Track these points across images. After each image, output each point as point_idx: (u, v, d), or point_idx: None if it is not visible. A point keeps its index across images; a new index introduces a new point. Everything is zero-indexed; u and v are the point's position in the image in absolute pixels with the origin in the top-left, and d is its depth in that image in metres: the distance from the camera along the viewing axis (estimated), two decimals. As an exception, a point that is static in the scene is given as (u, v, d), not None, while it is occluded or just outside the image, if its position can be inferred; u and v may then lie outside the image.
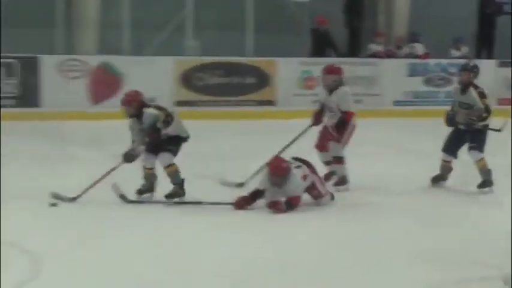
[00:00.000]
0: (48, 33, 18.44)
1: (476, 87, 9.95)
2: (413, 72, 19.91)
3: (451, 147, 9.89)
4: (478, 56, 20.94)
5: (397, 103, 19.56)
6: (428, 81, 19.99)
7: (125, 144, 9.67)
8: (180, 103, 17.25)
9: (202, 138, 12.84)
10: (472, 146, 9.67)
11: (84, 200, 8.99)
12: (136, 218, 8.53)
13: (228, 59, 18.63)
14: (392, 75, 19.71)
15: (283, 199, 9.00)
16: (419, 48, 20.41)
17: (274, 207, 8.89)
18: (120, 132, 10.14)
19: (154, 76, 17.03)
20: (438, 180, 10.08)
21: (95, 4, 19.15)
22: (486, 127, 9.86)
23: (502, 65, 20.24)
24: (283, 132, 11.42)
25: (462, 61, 17.96)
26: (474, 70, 10.13)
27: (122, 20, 19.13)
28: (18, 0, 18.15)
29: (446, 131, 11.11)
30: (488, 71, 18.78)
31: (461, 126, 9.70)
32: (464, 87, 10.04)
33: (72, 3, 19.08)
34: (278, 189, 9.02)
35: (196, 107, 17.94)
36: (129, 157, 9.15)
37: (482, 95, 9.84)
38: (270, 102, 18.62)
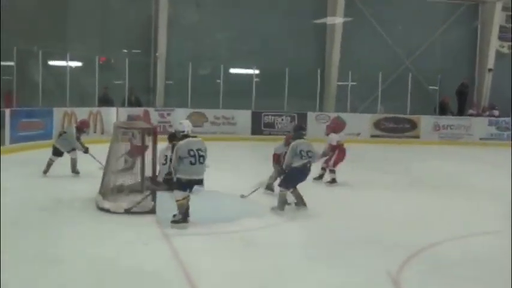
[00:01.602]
0: (311, 101, 20.63)
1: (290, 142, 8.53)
2: (491, 123, 21.25)
3: None
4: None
5: (481, 139, 20.82)
6: (498, 128, 21.24)
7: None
8: (373, 136, 20.20)
9: (386, 151, 16.90)
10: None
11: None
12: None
13: (396, 115, 20.78)
14: (480, 125, 21.20)
15: None
16: (496, 112, 21.75)
17: None
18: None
19: (360, 122, 19.69)
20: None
21: (334, 84, 21.77)
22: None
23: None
24: (424, 152, 14.22)
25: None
26: (295, 130, 8.85)
27: (347, 93, 21.07)
28: (295, 85, 20.10)
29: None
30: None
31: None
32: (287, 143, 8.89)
33: (324, 85, 21.48)
34: None
35: (381, 138, 20.14)
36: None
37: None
38: (417, 137, 20.51)
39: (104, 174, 8.53)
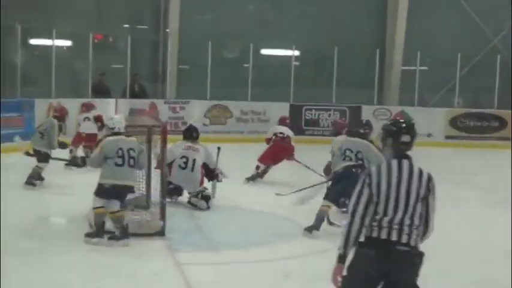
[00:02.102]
0: (367, 91, 20.98)
1: None
2: None
3: None
4: None
5: None
6: None
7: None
8: (448, 137, 20.33)
9: (465, 157, 17.17)
10: None
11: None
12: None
13: (479, 110, 20.86)
14: None
15: None
16: None
17: None
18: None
19: (433, 120, 19.91)
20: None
21: (397, 70, 22.08)
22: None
23: None
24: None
25: None
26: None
27: (414, 81, 21.03)
28: (346, 70, 20.68)
29: None
30: None
31: None
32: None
33: (384, 71, 21.77)
34: None
35: (459, 139, 20.18)
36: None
37: None
38: (507, 139, 20.06)
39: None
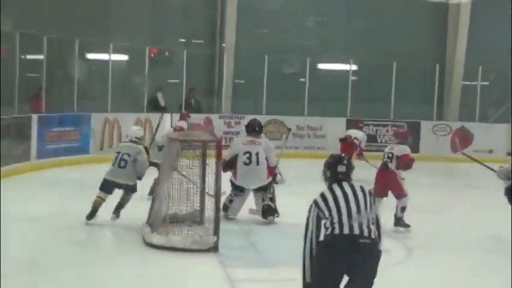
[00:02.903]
0: (426, 106, 20.71)
1: None
2: None
3: None
4: None
5: None
6: None
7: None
8: (510, 154, 18.53)
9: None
10: None
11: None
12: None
13: None
14: None
15: None
16: None
17: None
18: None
19: (494, 136, 19.79)
20: None
21: (457, 85, 21.90)
22: None
23: None
24: None
25: None
26: None
27: (475, 96, 20.86)
28: (405, 85, 20.46)
29: None
30: None
31: None
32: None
33: (444, 86, 21.50)
34: None
35: None
36: None
37: None
38: None
39: (154, 200, 8.62)
